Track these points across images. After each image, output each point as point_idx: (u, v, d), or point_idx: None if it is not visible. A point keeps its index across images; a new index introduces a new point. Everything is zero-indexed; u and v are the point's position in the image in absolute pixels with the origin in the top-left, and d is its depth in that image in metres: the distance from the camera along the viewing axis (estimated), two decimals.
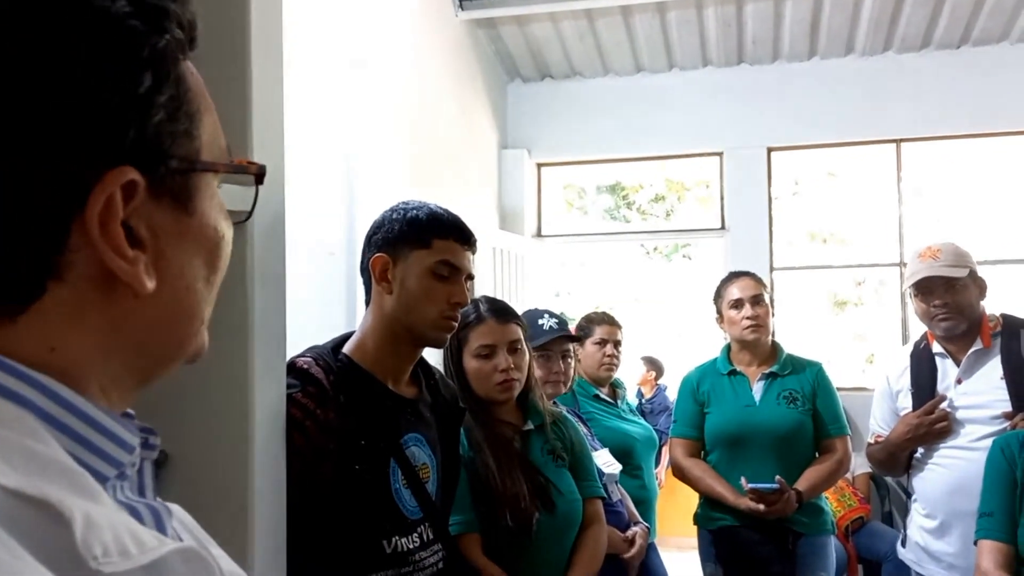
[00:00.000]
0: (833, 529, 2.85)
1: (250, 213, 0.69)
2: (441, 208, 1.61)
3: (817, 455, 2.75)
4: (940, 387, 2.49)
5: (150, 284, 0.51)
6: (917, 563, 2.52)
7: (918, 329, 3.31)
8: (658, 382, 6.61)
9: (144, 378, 0.56)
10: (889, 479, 4.48)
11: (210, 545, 0.62)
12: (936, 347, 2.53)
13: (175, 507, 0.64)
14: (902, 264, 5.13)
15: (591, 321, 3.10)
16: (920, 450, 2.51)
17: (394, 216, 1.58)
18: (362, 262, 1.61)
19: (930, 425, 2.43)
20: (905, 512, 4.56)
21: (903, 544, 2.62)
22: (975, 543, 2.09)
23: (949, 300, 2.42)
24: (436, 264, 1.53)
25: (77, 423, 0.49)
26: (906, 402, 2.55)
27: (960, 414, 2.42)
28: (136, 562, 0.45)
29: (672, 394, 5.15)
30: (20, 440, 0.45)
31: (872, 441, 2.69)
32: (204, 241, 0.55)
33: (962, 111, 4.88)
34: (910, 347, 2.64)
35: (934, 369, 2.51)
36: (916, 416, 2.46)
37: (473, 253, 1.62)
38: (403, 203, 1.61)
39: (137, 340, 0.53)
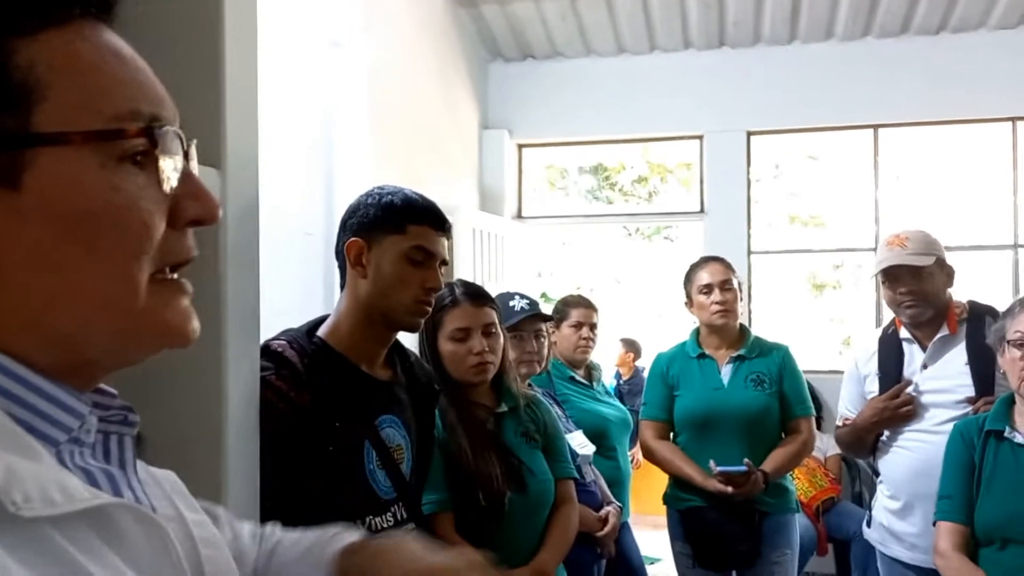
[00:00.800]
0: (797, 508, 2.92)
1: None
2: (416, 193, 1.62)
3: (783, 436, 2.81)
4: (906, 372, 2.52)
5: None
6: (881, 543, 2.57)
7: (891, 313, 3.34)
8: (636, 363, 6.68)
9: (81, 358, 0.57)
10: (860, 460, 4.55)
11: (190, 511, 0.64)
12: (903, 332, 2.57)
13: (167, 474, 0.68)
14: (877, 249, 5.19)
15: (567, 304, 3.13)
16: (886, 433, 2.55)
17: (369, 201, 1.59)
18: (337, 246, 1.62)
19: (895, 409, 2.47)
20: (874, 492, 4.68)
21: (868, 524, 2.66)
22: (934, 524, 2.14)
23: (915, 288, 2.45)
24: (410, 249, 1.54)
25: (20, 389, 0.52)
26: (873, 386, 2.59)
27: (925, 398, 2.46)
28: (60, 509, 0.49)
29: None
30: None
31: (840, 424, 2.73)
32: (53, 218, 0.53)
33: (940, 97, 4.91)
34: (879, 332, 2.68)
35: (901, 354, 2.55)
36: (882, 400, 2.50)
37: (448, 239, 1.63)
38: (378, 188, 1.62)
39: (32, 321, 0.53)
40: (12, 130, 0.52)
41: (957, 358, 2.44)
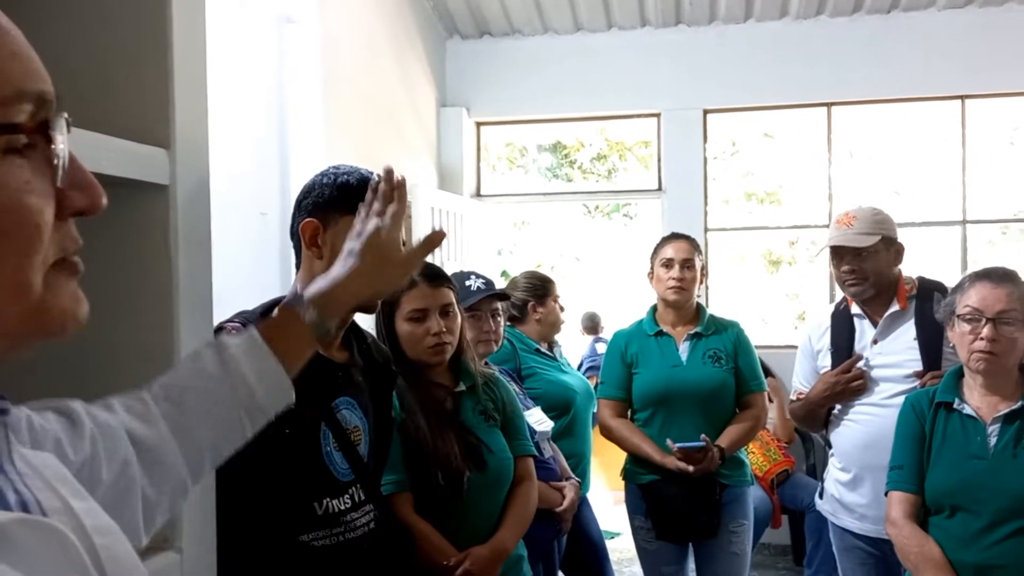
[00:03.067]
0: (752, 481, 2.98)
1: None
2: (372, 173, 1.61)
3: (737, 411, 2.87)
4: (857, 347, 2.57)
5: None
6: (832, 514, 2.63)
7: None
8: (598, 336, 6.76)
9: None
10: (814, 433, 4.65)
11: (76, 499, 0.59)
12: (855, 308, 2.61)
13: (43, 456, 0.62)
14: (830, 226, 5.27)
15: (547, 281, 3.17)
16: (838, 407, 2.61)
17: (324, 181, 1.57)
18: (292, 226, 1.60)
19: (847, 383, 2.52)
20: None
21: (820, 496, 2.72)
22: (886, 494, 2.19)
23: (856, 267, 2.50)
24: None
25: None
26: (825, 361, 2.63)
27: (875, 373, 2.51)
28: None
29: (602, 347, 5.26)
30: None
31: (794, 398, 2.78)
32: None
33: (891, 75, 4.99)
34: (831, 308, 2.73)
35: (852, 329, 2.60)
36: (833, 375, 2.55)
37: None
38: (333, 168, 1.60)
39: None
40: None
41: (906, 333, 2.49)
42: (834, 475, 2.63)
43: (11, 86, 0.50)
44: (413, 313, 2.00)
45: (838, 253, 2.55)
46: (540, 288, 3.11)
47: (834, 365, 2.58)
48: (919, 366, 2.44)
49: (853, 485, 2.53)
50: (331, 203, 1.54)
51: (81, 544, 0.54)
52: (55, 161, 0.52)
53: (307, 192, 1.59)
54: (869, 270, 2.50)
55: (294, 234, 1.59)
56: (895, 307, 2.53)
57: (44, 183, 0.52)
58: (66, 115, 0.54)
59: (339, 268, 1.23)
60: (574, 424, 2.94)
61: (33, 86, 0.52)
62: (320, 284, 1.21)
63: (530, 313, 3.03)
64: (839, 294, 2.75)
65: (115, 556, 0.57)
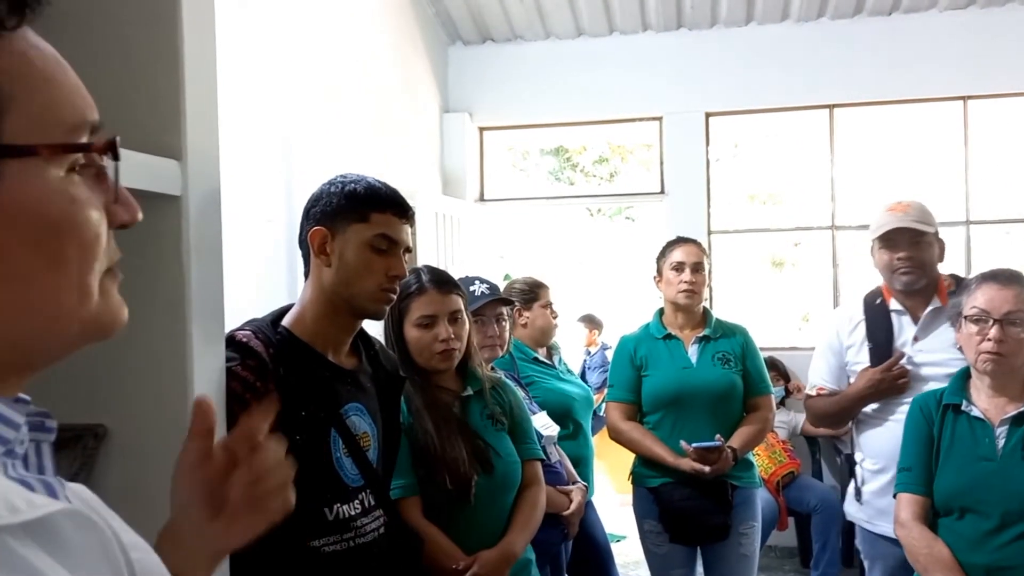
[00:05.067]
0: (760, 482, 2.99)
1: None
2: (379, 181, 1.62)
3: (744, 413, 2.87)
4: (897, 343, 2.50)
5: None
6: (868, 521, 2.55)
7: (848, 291, 3.36)
8: (599, 339, 6.75)
9: (22, 364, 0.57)
10: (820, 436, 4.65)
11: (111, 519, 0.64)
12: (893, 304, 2.55)
13: (78, 487, 0.66)
14: (833, 227, 5.28)
15: (536, 286, 3.16)
16: (872, 406, 2.54)
17: (332, 189, 1.58)
18: (300, 235, 1.62)
19: (892, 380, 2.45)
20: (834, 466, 4.77)
21: (857, 498, 2.61)
22: (894, 496, 2.19)
23: (914, 254, 2.44)
24: (374, 237, 1.55)
25: None
26: (860, 357, 2.56)
27: (917, 371, 2.45)
28: (24, 516, 0.49)
29: (611, 354, 5.25)
30: None
31: (814, 394, 2.71)
32: (20, 229, 0.53)
33: (893, 77, 4.99)
34: (859, 303, 2.65)
35: (890, 325, 2.53)
36: (879, 371, 2.47)
37: (411, 226, 1.64)
38: (341, 176, 1.61)
39: None
40: None
41: (948, 332, 2.39)
42: (868, 479, 2.55)
43: (78, 116, 0.57)
44: (422, 319, 2.02)
45: (893, 239, 2.47)
46: (528, 293, 3.10)
47: (874, 362, 2.51)
48: (962, 365, 2.33)
49: (889, 489, 2.38)
50: (339, 212, 1.55)
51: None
52: (108, 179, 0.59)
53: (315, 201, 1.60)
54: (925, 259, 2.45)
55: (303, 242, 1.61)
56: (936, 303, 2.47)
57: (99, 199, 0.59)
58: (118, 137, 0.60)
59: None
60: (574, 431, 2.94)
61: (91, 116, 0.59)
62: None
63: (515, 318, 3.03)
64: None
65: (148, 569, 0.63)
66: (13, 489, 0.51)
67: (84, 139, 0.57)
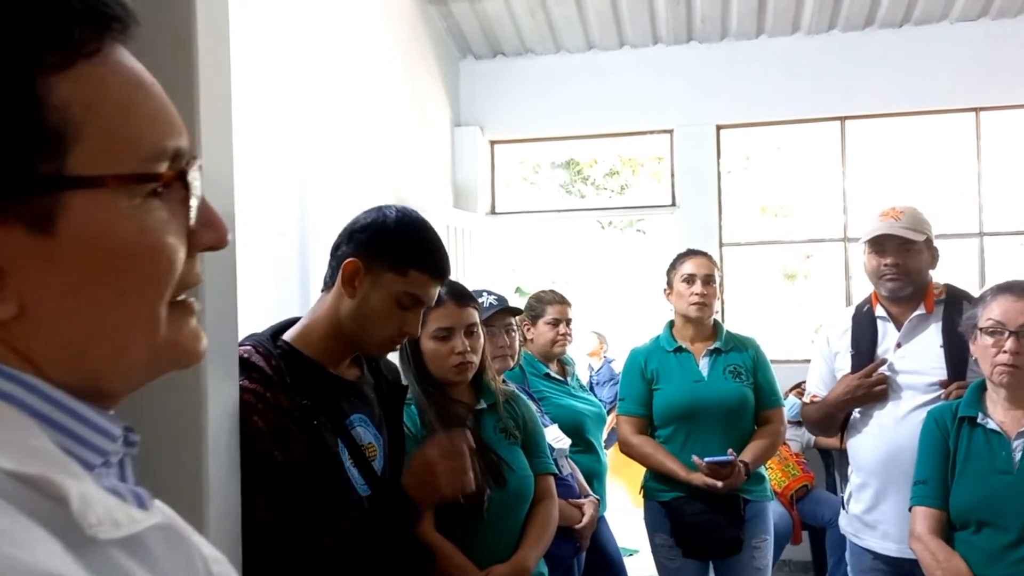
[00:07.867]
0: (772, 496, 2.97)
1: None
2: (430, 234, 1.61)
3: (755, 427, 2.86)
4: (880, 350, 2.50)
5: (7, 310, 0.51)
6: (854, 534, 2.55)
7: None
8: (604, 354, 6.74)
9: (103, 391, 0.57)
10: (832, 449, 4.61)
11: (190, 532, 0.65)
12: (879, 311, 2.54)
13: (156, 501, 0.67)
14: (846, 239, 5.26)
15: (541, 300, 3.15)
16: (856, 414, 2.53)
17: (385, 223, 1.56)
18: (336, 246, 1.60)
19: (869, 387, 2.44)
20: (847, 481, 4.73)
21: (844, 510, 2.63)
22: (910, 509, 2.17)
23: (900, 261, 2.43)
24: (404, 294, 1.54)
25: (63, 417, 0.52)
26: (844, 363, 2.56)
27: (898, 379, 2.43)
28: (125, 531, 0.51)
29: (618, 366, 5.24)
30: (13, 435, 0.49)
31: (808, 401, 2.71)
32: (86, 260, 0.52)
33: (904, 89, 4.99)
34: (851, 310, 2.65)
35: (875, 331, 2.52)
36: (856, 377, 2.47)
37: (443, 286, 1.65)
38: (400, 211, 1.59)
39: (62, 361, 0.53)
40: (47, 174, 0.50)
41: (932, 339, 2.42)
42: (855, 491, 2.55)
43: (155, 144, 0.55)
44: (439, 332, 2.02)
45: (881, 245, 2.46)
46: (533, 308, 3.11)
47: (855, 368, 2.50)
48: (943, 374, 2.36)
49: (876, 500, 2.45)
50: (382, 253, 1.54)
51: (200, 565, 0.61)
52: (190, 203, 0.57)
53: (365, 227, 1.58)
54: (912, 267, 2.44)
55: (335, 256, 1.60)
56: (921, 310, 2.46)
57: (178, 224, 0.57)
58: (200, 161, 0.59)
59: None
60: (586, 447, 2.93)
61: (172, 142, 0.57)
62: None
63: (524, 332, 3.02)
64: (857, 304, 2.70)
65: None
66: (113, 504, 0.52)
67: (163, 166, 0.55)
